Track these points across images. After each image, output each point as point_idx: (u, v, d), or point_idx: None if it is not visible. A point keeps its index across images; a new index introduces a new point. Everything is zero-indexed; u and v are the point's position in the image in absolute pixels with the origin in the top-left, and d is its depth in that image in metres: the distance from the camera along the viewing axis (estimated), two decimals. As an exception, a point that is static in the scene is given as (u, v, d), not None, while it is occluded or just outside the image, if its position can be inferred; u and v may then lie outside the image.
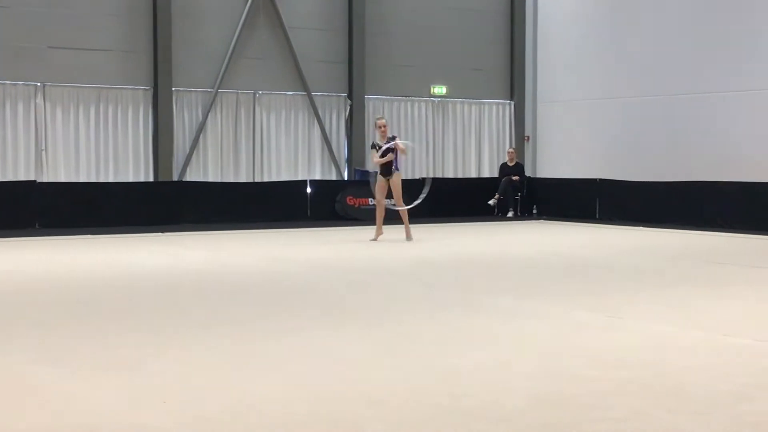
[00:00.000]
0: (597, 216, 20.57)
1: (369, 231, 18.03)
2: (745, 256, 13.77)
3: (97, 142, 19.55)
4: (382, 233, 15.74)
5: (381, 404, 5.43)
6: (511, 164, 21.98)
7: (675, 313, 8.63)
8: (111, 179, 19.51)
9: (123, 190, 18.94)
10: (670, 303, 9.17)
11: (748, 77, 19.17)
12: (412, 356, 6.74)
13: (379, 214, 15.72)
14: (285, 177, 21.08)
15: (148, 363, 6.50)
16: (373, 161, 15.49)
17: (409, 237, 15.59)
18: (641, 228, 18.57)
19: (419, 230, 18.08)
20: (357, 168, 21.67)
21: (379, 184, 15.62)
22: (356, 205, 20.28)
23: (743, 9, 19.36)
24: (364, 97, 21.94)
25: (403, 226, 15.81)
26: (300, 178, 21.04)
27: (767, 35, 18.90)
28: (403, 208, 15.52)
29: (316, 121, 21.52)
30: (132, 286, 10.54)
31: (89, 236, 16.60)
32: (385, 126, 15.63)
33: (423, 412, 5.29)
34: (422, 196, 16.33)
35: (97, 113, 19.52)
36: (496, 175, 22.39)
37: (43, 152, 19.06)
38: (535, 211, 21.94)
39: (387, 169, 15.49)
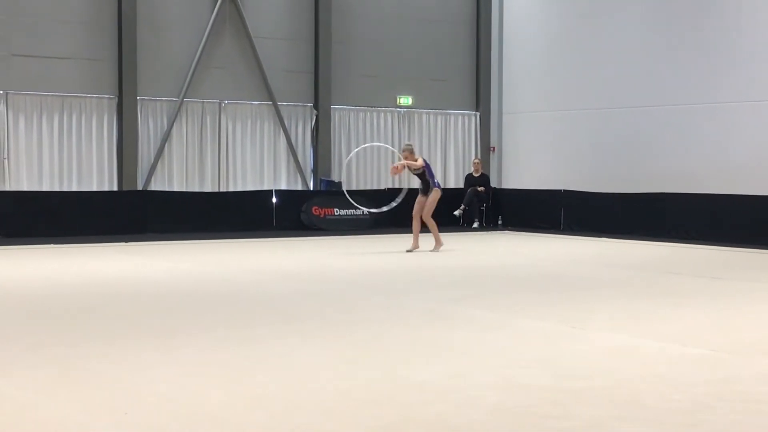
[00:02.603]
0: (561, 227, 20.69)
1: (335, 241, 18.06)
2: (705, 268, 13.91)
3: (61, 151, 19.42)
4: (418, 246, 15.88)
5: (337, 414, 5.44)
6: (476, 175, 22.07)
7: (633, 323, 8.70)
8: (75, 188, 19.37)
9: (87, 199, 18.80)
10: (628, 313, 9.25)
11: (712, 90, 19.38)
12: (372, 366, 6.75)
13: (415, 228, 16.05)
14: (250, 187, 21.03)
15: (106, 373, 6.46)
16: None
17: (437, 246, 15.94)
18: (604, 239, 18.70)
19: (384, 241, 18.13)
20: (323, 178, 21.68)
21: (418, 200, 16.06)
22: (322, 215, 20.28)
23: (706, 23, 19.59)
24: (330, 107, 21.96)
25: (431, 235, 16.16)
26: (266, 187, 21.00)
27: (730, 49, 19.13)
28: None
29: (281, 131, 21.50)
30: (92, 296, 10.47)
31: (52, 246, 16.47)
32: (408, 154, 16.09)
33: (381, 423, 5.30)
34: (393, 204, 16.72)
35: (60, 122, 19.39)
36: (461, 185, 22.48)
37: (6, 161, 18.89)
38: (500, 222, 22.03)
39: (424, 188, 16.02)
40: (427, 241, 16.17)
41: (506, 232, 20.93)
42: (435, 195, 15.98)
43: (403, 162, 16.02)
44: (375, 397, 5.84)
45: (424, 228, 16.13)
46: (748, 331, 8.38)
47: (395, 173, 17.06)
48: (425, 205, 16.00)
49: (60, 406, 5.59)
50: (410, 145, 16.46)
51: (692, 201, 18.54)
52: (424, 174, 15.98)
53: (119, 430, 5.10)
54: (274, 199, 20.15)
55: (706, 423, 5.30)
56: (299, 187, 21.61)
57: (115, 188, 19.77)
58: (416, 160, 15.92)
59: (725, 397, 5.85)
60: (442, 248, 15.89)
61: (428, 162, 16.36)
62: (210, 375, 6.44)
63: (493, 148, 23.91)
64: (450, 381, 6.27)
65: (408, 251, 15.82)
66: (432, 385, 6.16)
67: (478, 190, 21.60)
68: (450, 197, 21.88)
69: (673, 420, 5.35)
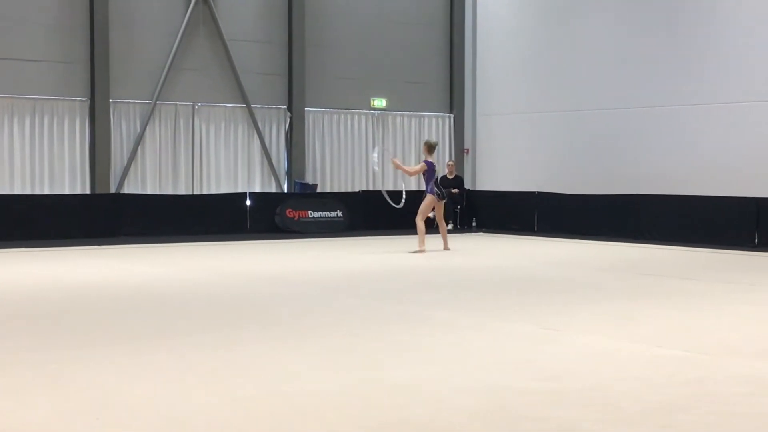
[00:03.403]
0: (535, 228, 20.76)
1: (309, 243, 18.03)
2: (678, 269, 14.00)
3: (33, 154, 19.27)
4: (446, 247, 16.37)
5: (314, 418, 5.43)
6: (450, 177, 22.08)
7: (608, 325, 8.74)
8: (47, 191, 19.24)
9: (59, 202, 18.66)
10: (603, 315, 9.29)
11: (683, 93, 19.53)
12: (350, 370, 6.74)
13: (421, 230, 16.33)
14: (224, 189, 20.97)
15: (78, 378, 6.41)
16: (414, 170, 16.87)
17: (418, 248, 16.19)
18: (578, 240, 18.79)
19: (359, 243, 18.12)
20: (297, 180, 21.65)
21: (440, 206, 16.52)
22: (296, 218, 20.24)
23: (676, 27, 19.73)
24: (304, 110, 21.94)
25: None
26: (239, 190, 20.94)
27: (701, 52, 19.28)
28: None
29: (255, 134, 21.45)
30: (66, 300, 10.39)
31: (24, 249, 16.34)
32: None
33: (358, 426, 5.29)
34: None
35: (32, 124, 19.24)
36: (435, 187, 22.48)
37: (-23, 164, 18.75)
38: (474, 224, 22.08)
39: (443, 193, 16.46)
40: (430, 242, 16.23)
41: (480, 233, 20.98)
42: (426, 200, 16.18)
43: (398, 164, 16.85)
44: (353, 401, 5.83)
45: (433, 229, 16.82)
46: (722, 332, 8.44)
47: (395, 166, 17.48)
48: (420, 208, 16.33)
49: (35, 412, 5.54)
50: (426, 143, 16.67)
51: (665, 202, 18.67)
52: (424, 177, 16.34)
53: (95, 436, 5.07)
54: (248, 202, 20.09)
55: (680, 424, 5.33)
56: (273, 190, 21.57)
57: (88, 191, 19.65)
58: (421, 161, 16.42)
59: (700, 399, 5.89)
60: (419, 254, 15.79)
61: (432, 165, 16.29)
62: (188, 379, 6.40)
63: (467, 150, 23.96)
64: (427, 384, 6.27)
65: (433, 251, 16.12)
66: (409, 388, 6.16)
67: (452, 192, 21.63)
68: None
69: (647, 421, 5.38)
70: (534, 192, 21.16)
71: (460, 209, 21.90)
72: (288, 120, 21.83)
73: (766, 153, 18.18)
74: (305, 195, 21.12)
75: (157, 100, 20.25)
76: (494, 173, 23.54)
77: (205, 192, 20.77)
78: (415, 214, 16.33)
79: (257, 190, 21.27)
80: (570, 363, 6.95)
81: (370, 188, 22.66)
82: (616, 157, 20.67)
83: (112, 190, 19.76)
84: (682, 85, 19.54)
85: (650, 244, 17.86)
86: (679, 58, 19.61)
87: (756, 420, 5.45)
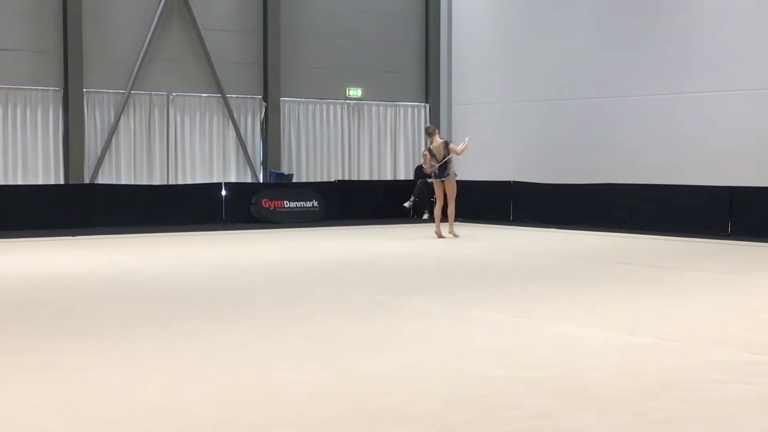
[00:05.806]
0: (511, 218, 20.81)
1: (285, 233, 18.01)
2: (653, 257, 14.08)
3: (5, 144, 19.13)
4: (440, 231, 17.08)
5: (290, 407, 5.43)
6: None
7: (583, 313, 8.79)
8: (20, 182, 19.10)
9: (32, 192, 18.53)
10: (578, 303, 9.34)
11: (657, 82, 19.62)
12: (323, 358, 6.74)
13: (437, 214, 17.26)
14: (200, 180, 20.89)
15: (55, 369, 6.38)
16: (427, 166, 17.19)
17: (451, 233, 17.19)
18: (554, 230, 18.86)
19: (334, 233, 18.12)
20: (272, 170, 21.61)
21: (436, 186, 17.19)
22: (272, 208, 20.20)
23: (651, 16, 19.82)
24: (280, 100, 21.89)
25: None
26: (215, 180, 20.87)
27: (671, 42, 19.37)
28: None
29: (231, 124, 21.38)
30: (40, 291, 10.34)
31: (-3, 240, 16.24)
32: (433, 133, 17.33)
33: (333, 414, 5.30)
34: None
35: (5, 114, 19.09)
36: (411, 177, 22.51)
37: (-51, 154, 18.59)
38: (450, 213, 22.07)
39: (441, 173, 16.99)
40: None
41: (456, 223, 20.96)
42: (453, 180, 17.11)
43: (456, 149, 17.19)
44: (326, 389, 5.84)
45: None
46: (695, 320, 8.50)
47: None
48: (449, 191, 17.13)
49: (8, 403, 5.51)
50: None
51: (639, 191, 18.76)
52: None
53: (68, 427, 5.04)
54: (223, 192, 20.02)
55: (653, 411, 5.37)
56: (249, 180, 21.51)
57: (62, 182, 19.52)
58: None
59: (672, 386, 5.93)
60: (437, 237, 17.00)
61: (430, 150, 17.30)
62: (161, 369, 6.39)
63: (443, 139, 23.96)
64: (402, 372, 6.29)
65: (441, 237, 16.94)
66: (384, 376, 6.18)
67: (427, 182, 21.63)
68: (400, 189, 21.96)
69: (621, 408, 5.41)
70: (509, 181, 21.20)
71: (435, 198, 21.88)
72: (263, 110, 21.77)
73: (740, 142, 18.31)
74: (281, 185, 21.08)
75: (131, 89, 20.13)
76: (469, 163, 23.52)
77: (180, 182, 20.68)
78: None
79: (233, 180, 21.21)
80: (544, 351, 6.99)
81: (346, 178, 22.66)
82: (592, 147, 20.75)
83: (87, 181, 19.65)
84: (657, 75, 19.63)
85: (625, 233, 17.95)
86: (654, 47, 19.69)
87: (728, 407, 5.50)
